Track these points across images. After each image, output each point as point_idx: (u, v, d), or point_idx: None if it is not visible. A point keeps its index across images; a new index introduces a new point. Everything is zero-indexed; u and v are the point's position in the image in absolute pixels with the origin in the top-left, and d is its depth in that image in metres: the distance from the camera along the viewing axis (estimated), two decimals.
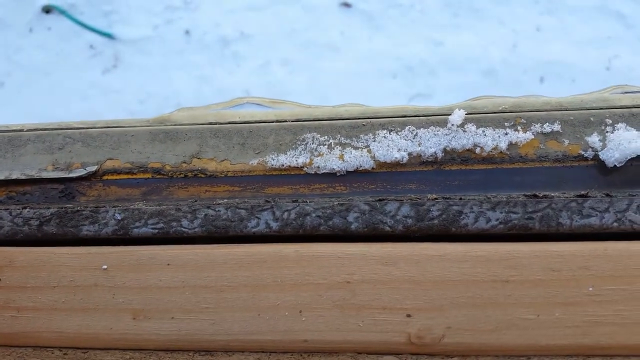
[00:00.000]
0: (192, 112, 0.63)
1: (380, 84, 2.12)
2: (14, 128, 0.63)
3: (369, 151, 0.53)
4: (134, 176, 0.57)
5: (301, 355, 0.48)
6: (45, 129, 0.61)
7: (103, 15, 2.32)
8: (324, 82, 2.11)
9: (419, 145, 0.52)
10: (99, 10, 2.31)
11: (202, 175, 0.56)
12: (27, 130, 0.62)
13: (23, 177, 0.59)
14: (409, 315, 0.47)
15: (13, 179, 0.59)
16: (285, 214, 0.51)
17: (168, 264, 0.51)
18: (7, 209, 0.56)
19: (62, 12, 2.28)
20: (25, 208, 0.56)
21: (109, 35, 2.28)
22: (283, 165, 0.54)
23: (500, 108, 0.53)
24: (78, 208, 0.55)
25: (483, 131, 0.52)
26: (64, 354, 0.51)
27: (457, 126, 0.52)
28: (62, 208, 0.55)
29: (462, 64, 2.09)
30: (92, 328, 0.51)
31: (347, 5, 2.21)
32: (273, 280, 0.49)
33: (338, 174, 0.53)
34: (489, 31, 2.12)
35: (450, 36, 2.13)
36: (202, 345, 0.49)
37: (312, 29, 2.21)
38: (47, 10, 2.30)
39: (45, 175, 0.58)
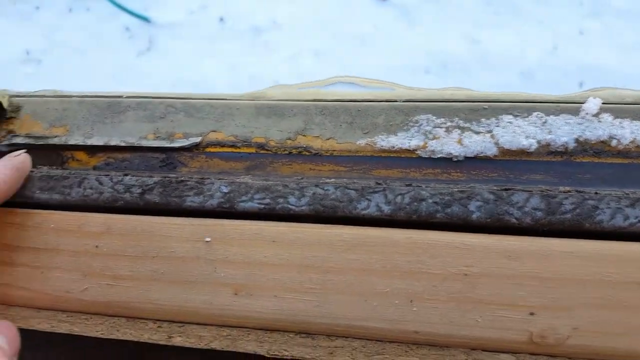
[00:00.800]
0: (286, 90, 0.62)
1: (413, 79, 2.09)
2: (113, 94, 0.63)
3: (492, 136, 0.50)
4: (238, 150, 0.57)
5: (409, 347, 0.46)
6: (146, 97, 0.61)
7: None
8: (355, 74, 2.09)
9: (549, 133, 0.49)
10: None
11: (307, 153, 0.55)
12: (127, 97, 0.62)
13: (123, 144, 0.59)
14: (532, 314, 0.44)
15: (112, 145, 0.59)
16: (399, 197, 0.49)
17: (273, 241, 0.50)
18: (108, 175, 0.57)
19: None
20: (126, 175, 0.56)
21: (145, 19, 2.31)
22: (394, 147, 0.53)
23: (627, 100, 0.50)
24: (182, 178, 0.54)
25: (620, 122, 0.49)
26: (158, 326, 0.51)
27: (592, 115, 0.49)
28: (165, 177, 0.55)
29: (499, 63, 2.05)
30: (191, 301, 0.50)
31: None
32: (382, 266, 0.48)
33: (455, 159, 0.51)
34: (529, 31, 2.06)
35: (487, 34, 2.08)
36: (304, 327, 0.48)
37: (345, 20, 2.20)
38: None
39: (145, 143, 0.59)
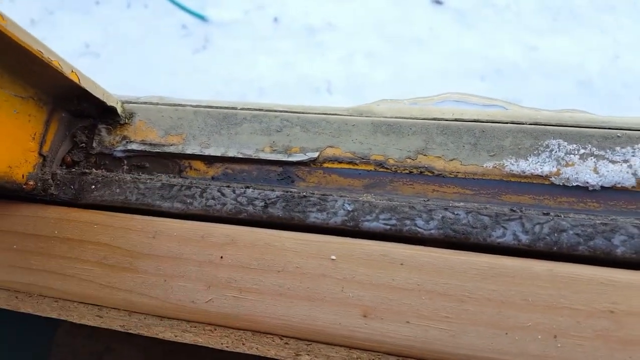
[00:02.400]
0: (396, 106, 0.53)
1: (467, 85, 1.91)
2: (227, 105, 0.55)
3: (630, 166, 0.42)
4: (356, 167, 0.48)
5: None
6: (261, 110, 0.53)
7: None
8: (408, 77, 1.92)
9: None
10: None
11: (429, 174, 0.47)
12: (242, 109, 0.54)
13: (240, 156, 0.51)
14: None
15: (230, 157, 0.51)
16: (537, 227, 0.41)
17: (402, 264, 0.42)
18: (230, 187, 0.49)
19: None
20: (248, 187, 0.48)
21: (202, 17, 2.17)
22: (524, 172, 0.44)
23: None
24: (305, 194, 0.46)
25: None
26: (285, 343, 0.44)
27: None
28: (287, 192, 0.47)
29: (556, 71, 1.85)
30: (319, 320, 0.43)
31: (438, 2, 2.00)
32: (522, 299, 0.39)
33: (591, 188, 0.42)
34: (589, 39, 1.85)
35: (545, 41, 1.88)
36: (440, 356, 0.40)
37: (400, 22, 2.02)
38: None
39: (263, 156, 0.50)
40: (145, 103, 0.57)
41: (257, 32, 2.12)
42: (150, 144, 0.54)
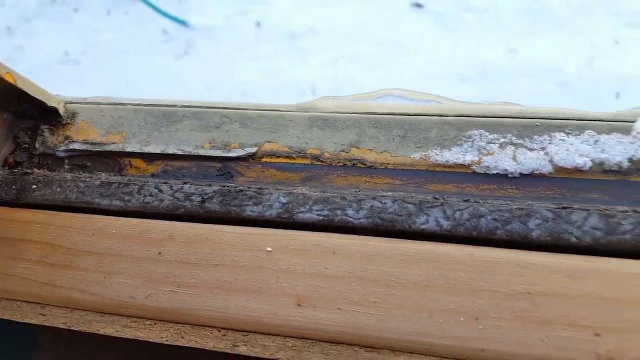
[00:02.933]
0: (337, 102, 0.52)
1: (449, 88, 1.83)
2: (168, 104, 0.53)
3: (547, 154, 0.42)
4: (293, 161, 0.47)
5: None
6: (201, 107, 0.51)
7: (177, 3, 2.09)
8: (391, 82, 1.88)
9: (603, 152, 0.41)
10: None
11: (362, 166, 0.46)
12: (182, 107, 0.52)
13: (180, 153, 0.49)
14: (597, 335, 0.36)
15: (169, 154, 0.49)
16: (458, 213, 0.41)
17: (334, 253, 0.41)
18: (167, 183, 0.47)
19: None
20: (186, 184, 0.46)
21: (183, 23, 2.09)
22: (448, 162, 0.44)
23: None
24: (242, 188, 0.45)
25: None
26: (223, 335, 0.42)
27: None
28: (224, 186, 0.45)
29: (536, 74, 1.78)
30: (255, 311, 0.41)
31: (418, 5, 1.95)
32: (446, 283, 0.39)
33: (510, 176, 0.42)
34: (567, 42, 1.81)
35: (525, 44, 1.82)
36: (370, 341, 0.39)
37: (382, 28, 1.94)
38: None
39: (202, 152, 0.49)
40: (89, 103, 0.55)
41: (239, 38, 2.05)
42: (92, 144, 0.51)
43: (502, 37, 1.85)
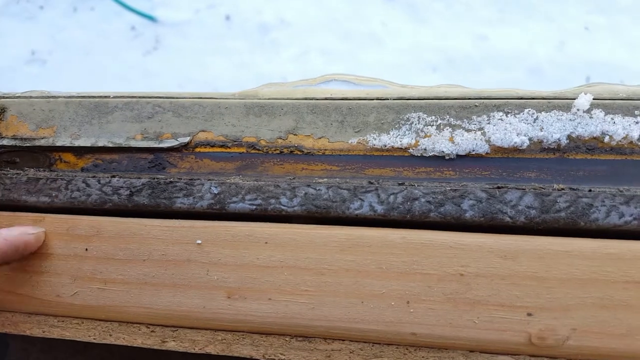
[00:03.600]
0: (279, 88, 0.57)
1: (421, 77, 1.98)
2: (100, 95, 0.57)
3: (484, 134, 0.46)
4: (228, 150, 0.51)
5: (407, 349, 0.42)
6: (133, 97, 0.55)
7: None
8: (363, 72, 1.98)
9: (541, 130, 0.45)
10: None
11: (299, 152, 0.50)
12: (114, 97, 0.56)
13: (110, 145, 0.53)
14: (529, 314, 0.40)
15: (100, 146, 0.53)
16: (392, 197, 0.44)
17: (266, 242, 0.45)
18: (95, 177, 0.51)
19: None
20: (114, 177, 0.50)
21: (151, 18, 2.17)
22: (385, 146, 0.48)
23: (620, 95, 0.46)
24: (171, 179, 0.49)
25: (612, 118, 0.44)
26: (152, 331, 0.46)
27: (584, 111, 0.44)
28: (154, 178, 0.49)
29: (507, 60, 1.93)
30: (184, 305, 0.45)
31: None
32: (378, 267, 0.43)
33: (447, 157, 0.46)
34: (536, 28, 1.95)
35: (495, 31, 1.97)
36: (300, 330, 0.43)
37: (353, 18, 2.08)
38: None
39: (133, 144, 0.53)
40: (19, 97, 0.59)
41: (209, 32, 2.13)
42: (22, 139, 0.55)
43: (472, 25, 1.98)
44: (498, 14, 1.99)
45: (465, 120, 0.47)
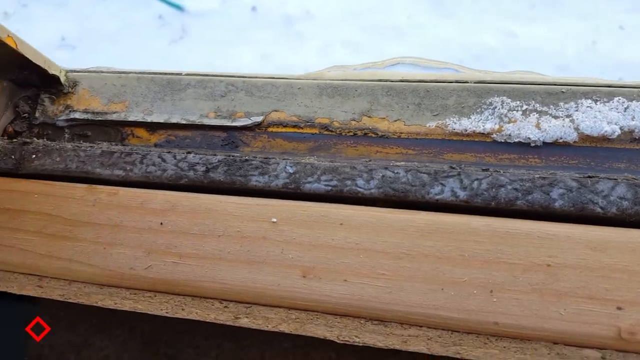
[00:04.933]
0: (345, 71, 0.55)
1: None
2: (172, 72, 0.56)
3: (572, 121, 0.43)
4: (301, 130, 0.50)
5: (488, 339, 0.40)
6: (206, 75, 0.55)
7: None
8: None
9: (632, 119, 0.42)
10: None
11: (373, 135, 0.48)
12: (186, 75, 0.55)
13: (183, 122, 0.52)
14: (619, 308, 0.38)
15: (173, 123, 0.53)
16: (475, 183, 0.43)
17: (341, 224, 0.44)
18: (171, 152, 0.50)
19: None
20: (190, 153, 0.50)
21: (179, 7, 2.17)
22: (466, 130, 0.46)
23: None
24: (247, 157, 0.48)
25: None
26: (225, 306, 0.45)
27: None
28: (229, 156, 0.48)
29: (535, 58, 1.84)
30: (258, 282, 0.44)
31: None
32: (459, 254, 0.41)
33: (532, 144, 0.44)
34: (567, 26, 1.87)
35: (524, 28, 1.89)
36: (377, 313, 0.42)
37: (377, 11, 2.03)
38: None
39: (207, 122, 0.52)
40: (90, 72, 0.58)
41: (235, 22, 2.12)
42: (93, 112, 0.55)
43: (500, 21, 1.89)
44: (527, 10, 1.91)
45: (552, 106, 0.44)
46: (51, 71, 0.56)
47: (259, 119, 0.50)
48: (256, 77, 0.53)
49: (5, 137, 0.56)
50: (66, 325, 0.94)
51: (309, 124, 0.49)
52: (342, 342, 0.42)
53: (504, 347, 0.39)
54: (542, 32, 1.86)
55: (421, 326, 0.41)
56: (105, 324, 0.98)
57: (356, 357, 0.86)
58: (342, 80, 0.50)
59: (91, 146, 0.53)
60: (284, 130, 0.50)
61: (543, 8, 1.90)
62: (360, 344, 0.41)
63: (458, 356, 0.39)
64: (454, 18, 1.96)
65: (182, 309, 0.45)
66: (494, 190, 0.41)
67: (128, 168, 0.50)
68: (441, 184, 0.43)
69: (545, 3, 1.90)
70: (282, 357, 0.88)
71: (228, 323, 0.44)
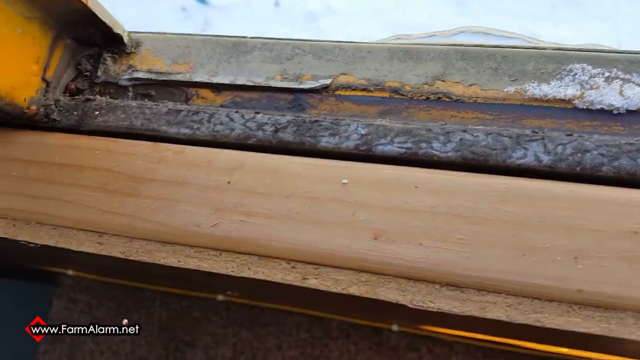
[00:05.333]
0: (409, 40, 0.53)
1: None
2: (237, 35, 0.55)
3: None
4: (370, 94, 0.49)
5: (571, 307, 0.39)
6: (271, 38, 0.54)
7: None
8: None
9: None
10: None
11: (447, 99, 0.47)
12: (252, 38, 0.54)
13: (249, 84, 0.51)
14: None
15: (239, 84, 0.52)
16: (560, 147, 0.41)
17: (416, 187, 0.42)
18: (239, 112, 0.49)
19: None
20: (258, 113, 0.49)
21: (202, 0, 2.14)
22: (546, 96, 0.44)
23: None
24: (317, 118, 0.47)
25: None
26: (292, 267, 0.44)
27: None
28: (298, 117, 0.47)
29: None
30: (327, 244, 0.43)
31: None
32: (541, 221, 0.39)
33: (615, 111, 0.42)
34: (590, 27, 1.83)
35: (546, 29, 1.85)
36: (453, 279, 0.40)
37: (399, 8, 2.01)
38: None
39: (273, 84, 0.51)
40: (153, 33, 0.58)
41: (257, 16, 2.10)
42: (157, 72, 0.54)
43: (522, 21, 1.84)
44: (549, 11, 1.87)
45: (635, 74, 0.43)
46: (115, 30, 0.55)
47: (327, 81, 0.49)
48: (324, 41, 0.51)
49: (67, 94, 0.55)
50: (83, 309, 0.94)
51: (378, 87, 0.48)
52: (415, 307, 0.40)
53: (588, 315, 0.37)
54: (564, 34, 1.80)
55: (500, 293, 0.39)
56: (122, 308, 0.98)
57: (374, 352, 0.85)
58: (414, 44, 0.49)
59: (156, 104, 0.52)
60: (352, 93, 0.48)
61: (564, 9, 1.85)
62: (435, 309, 0.40)
63: (539, 324, 0.38)
64: (476, 17, 1.93)
65: (249, 268, 0.44)
66: (579, 155, 0.40)
67: (195, 127, 0.49)
68: (524, 147, 0.41)
69: (567, 4, 1.85)
70: (300, 347, 0.88)
71: (296, 283, 0.43)
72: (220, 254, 0.45)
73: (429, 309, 0.40)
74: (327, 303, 0.72)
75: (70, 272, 0.99)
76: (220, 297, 0.95)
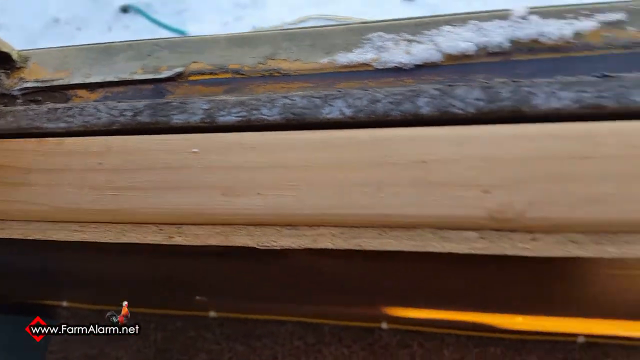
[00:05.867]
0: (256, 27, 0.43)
1: None
2: (107, 42, 0.43)
3: (435, 44, 0.33)
4: (216, 76, 0.38)
5: (382, 230, 0.31)
6: (135, 41, 0.41)
7: (176, 14, 1.69)
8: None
9: (484, 36, 0.33)
10: (173, 9, 1.70)
11: (277, 74, 0.37)
12: (119, 42, 0.42)
13: (117, 80, 0.39)
14: (486, 192, 0.29)
15: (108, 81, 0.40)
16: (357, 101, 0.32)
17: (253, 148, 0.33)
18: (104, 103, 0.37)
19: (139, 11, 1.72)
20: (120, 102, 0.37)
21: (182, 33, 1.83)
22: (352, 62, 0.35)
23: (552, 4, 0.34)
24: (167, 100, 0.36)
25: (546, 21, 0.32)
26: (160, 229, 0.34)
27: (521, 18, 0.32)
28: (153, 101, 0.36)
29: None
30: (186, 205, 0.33)
31: None
32: (350, 162, 0.31)
33: (405, 67, 0.34)
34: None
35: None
36: (288, 219, 0.32)
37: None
38: (125, 9, 1.73)
39: (136, 77, 0.39)
40: (39, 49, 0.44)
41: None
42: (42, 81, 0.41)
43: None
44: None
45: (418, 35, 0.34)
46: (3, 49, 0.41)
47: (180, 69, 0.38)
48: (177, 37, 0.40)
49: None
50: (81, 337, 0.69)
51: (222, 69, 0.37)
52: (262, 247, 0.32)
53: (397, 236, 0.30)
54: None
55: (326, 226, 0.31)
56: (118, 335, 0.75)
57: (367, 352, 0.64)
58: (249, 32, 0.38)
59: (39, 106, 0.39)
60: (202, 77, 0.38)
61: None
62: (278, 247, 0.31)
63: (359, 248, 0.30)
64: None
65: (124, 235, 0.34)
66: (372, 105, 0.31)
67: (70, 120, 0.37)
68: (330, 105, 0.32)
69: None
70: (294, 356, 0.67)
71: (164, 243, 0.33)
72: (99, 226, 0.35)
73: (274, 248, 0.31)
74: (315, 297, 0.55)
75: (65, 304, 0.71)
76: (212, 314, 0.69)
